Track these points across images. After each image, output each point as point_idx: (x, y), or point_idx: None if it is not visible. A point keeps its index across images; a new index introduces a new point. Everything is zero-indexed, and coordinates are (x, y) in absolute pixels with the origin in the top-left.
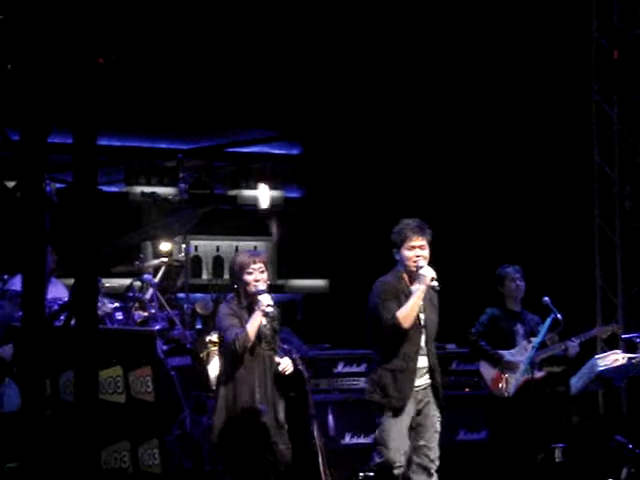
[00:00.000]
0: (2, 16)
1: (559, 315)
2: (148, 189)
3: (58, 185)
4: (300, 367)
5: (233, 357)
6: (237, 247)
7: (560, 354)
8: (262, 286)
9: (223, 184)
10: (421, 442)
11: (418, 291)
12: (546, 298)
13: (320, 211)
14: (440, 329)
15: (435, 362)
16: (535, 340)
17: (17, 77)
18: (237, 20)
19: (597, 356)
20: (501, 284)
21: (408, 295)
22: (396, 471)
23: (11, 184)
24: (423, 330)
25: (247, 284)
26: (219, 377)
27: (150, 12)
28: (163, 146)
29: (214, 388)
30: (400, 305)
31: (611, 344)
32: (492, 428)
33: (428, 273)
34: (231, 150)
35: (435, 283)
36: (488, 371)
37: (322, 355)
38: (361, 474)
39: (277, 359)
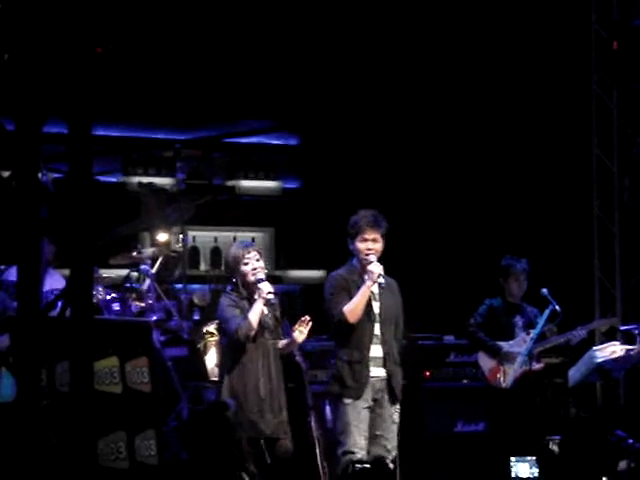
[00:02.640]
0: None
1: (557, 306)
2: (146, 179)
3: (55, 175)
4: (298, 358)
5: (236, 347)
6: (235, 238)
7: (562, 344)
8: (261, 274)
9: (221, 174)
10: (378, 432)
11: (364, 287)
12: (544, 289)
13: (318, 202)
14: (438, 320)
15: (392, 351)
16: (533, 332)
17: (12, 66)
18: (235, 10)
19: (595, 348)
20: (504, 278)
21: (359, 286)
22: (358, 457)
23: (6, 174)
24: (377, 319)
25: (245, 275)
26: (222, 368)
27: (148, 1)
28: (161, 136)
29: (213, 379)
30: (350, 297)
31: (609, 336)
32: (490, 419)
33: (375, 269)
34: (229, 140)
35: (381, 280)
36: (486, 362)
37: (320, 346)
38: (358, 465)
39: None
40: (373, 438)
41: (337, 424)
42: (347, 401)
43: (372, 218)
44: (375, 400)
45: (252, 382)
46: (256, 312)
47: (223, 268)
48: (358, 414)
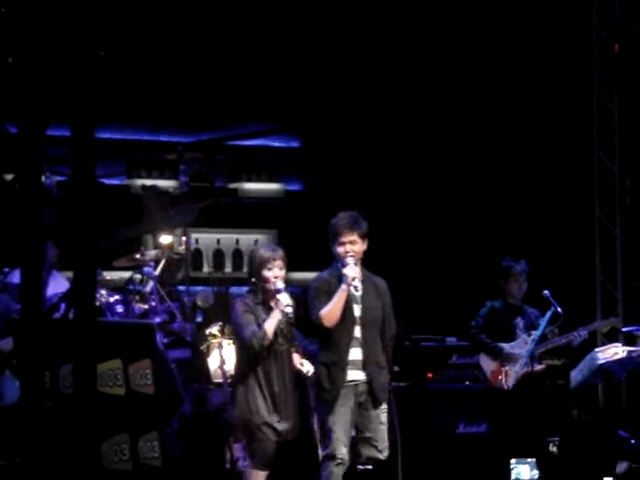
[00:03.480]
0: (3, 9)
1: (559, 308)
2: (149, 182)
3: (59, 178)
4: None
5: (249, 355)
6: (237, 240)
7: (563, 346)
8: (280, 284)
9: (223, 177)
10: (367, 434)
11: (339, 291)
12: (546, 291)
13: (321, 204)
14: (440, 322)
15: (373, 354)
16: (535, 333)
17: (16, 70)
18: (237, 13)
19: (597, 349)
20: (504, 279)
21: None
22: (339, 461)
23: (9, 177)
24: (357, 321)
25: (266, 280)
26: (236, 372)
27: (151, 5)
28: (164, 139)
29: (216, 381)
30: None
31: (611, 337)
32: (492, 421)
33: (350, 273)
34: (231, 143)
35: (357, 283)
36: (488, 364)
37: None
38: (359, 466)
39: (299, 361)
40: (363, 440)
41: (320, 425)
42: (329, 406)
43: (348, 220)
44: (360, 403)
45: (266, 388)
46: (273, 323)
47: (228, 268)
48: (337, 418)
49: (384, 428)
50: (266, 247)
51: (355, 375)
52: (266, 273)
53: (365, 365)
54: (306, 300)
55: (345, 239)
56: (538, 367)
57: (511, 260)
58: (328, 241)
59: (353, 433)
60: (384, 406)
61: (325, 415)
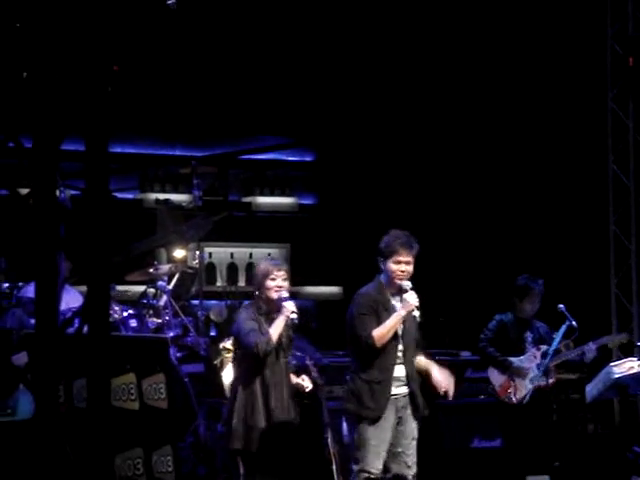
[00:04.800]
0: (18, 24)
1: (574, 322)
2: (162, 196)
3: (73, 192)
4: (314, 375)
5: (252, 362)
6: (251, 254)
7: (576, 360)
8: (285, 293)
9: (237, 191)
10: (399, 449)
11: (398, 315)
12: (561, 305)
13: (334, 218)
14: (454, 336)
15: (413, 370)
16: (550, 347)
17: (31, 84)
18: (252, 29)
19: (612, 363)
20: (519, 297)
21: (387, 307)
22: (374, 476)
23: (24, 191)
24: (400, 340)
25: (269, 290)
26: (234, 383)
27: (165, 20)
28: (177, 153)
29: (228, 395)
30: (378, 317)
31: (626, 351)
32: (505, 435)
33: (412, 300)
34: (245, 157)
35: (417, 313)
36: (496, 377)
37: (336, 362)
38: None
39: (302, 377)
40: (394, 455)
41: (355, 439)
42: (366, 422)
43: (406, 239)
44: (399, 418)
45: (263, 398)
46: (278, 328)
47: (242, 282)
48: (379, 434)
49: (415, 444)
50: (269, 260)
51: (398, 390)
52: (270, 283)
53: (408, 381)
54: (321, 314)
55: (403, 258)
56: (549, 381)
57: (529, 279)
58: (377, 256)
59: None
60: (417, 423)
61: (364, 430)
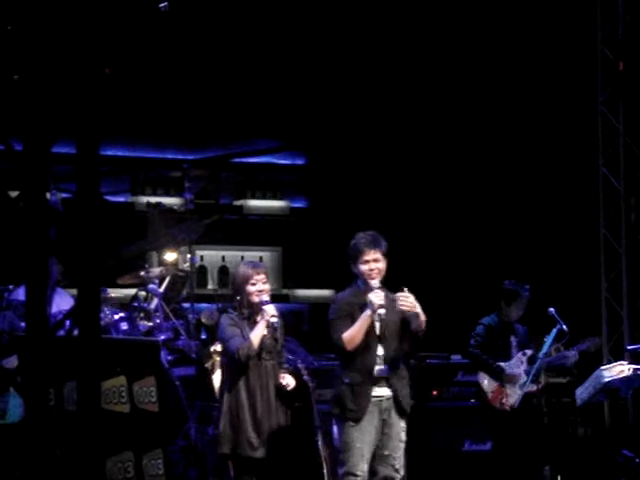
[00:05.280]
0: (9, 27)
1: (564, 326)
2: (154, 199)
3: (64, 195)
4: (305, 377)
5: (235, 367)
6: (243, 257)
7: (560, 364)
8: (266, 297)
9: (228, 194)
10: (385, 452)
11: (364, 317)
12: (551, 309)
13: (326, 221)
14: (445, 340)
15: (395, 368)
16: (541, 351)
17: (21, 87)
18: (243, 32)
19: (602, 367)
20: (508, 302)
21: (363, 309)
22: (359, 478)
23: (14, 194)
24: (380, 341)
25: (250, 294)
26: (221, 387)
27: (157, 23)
28: (169, 156)
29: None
30: (353, 320)
31: (616, 355)
32: (495, 439)
33: (376, 300)
34: (237, 160)
35: (382, 311)
36: (488, 384)
37: (327, 365)
38: None
39: (281, 375)
40: (381, 458)
41: (341, 443)
42: (351, 424)
43: (370, 238)
44: (384, 421)
45: (249, 402)
46: (258, 333)
47: (230, 286)
48: (362, 435)
49: (402, 446)
50: (247, 264)
51: (380, 392)
52: (250, 288)
53: (389, 381)
54: (313, 317)
55: (369, 257)
56: (539, 386)
57: (517, 284)
58: (349, 262)
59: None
60: (404, 425)
61: (348, 433)
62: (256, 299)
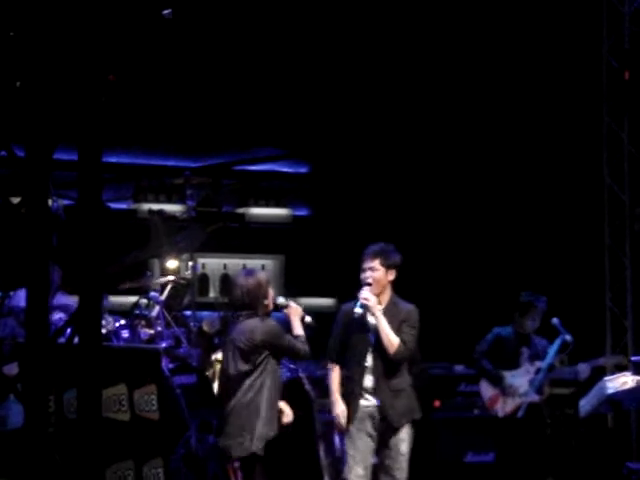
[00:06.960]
0: (12, 33)
1: (568, 336)
2: (156, 206)
3: (66, 202)
4: (306, 387)
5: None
6: (245, 265)
7: (570, 378)
8: (281, 298)
9: (231, 202)
10: (386, 461)
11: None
12: (555, 319)
13: (328, 229)
14: (448, 350)
15: (384, 380)
16: (544, 362)
17: (23, 93)
18: (245, 40)
19: (606, 378)
20: (522, 313)
21: (355, 320)
22: None
23: (16, 200)
24: (370, 352)
25: (271, 297)
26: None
27: (160, 30)
28: (171, 164)
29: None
30: (346, 330)
31: (620, 367)
32: (499, 450)
33: (361, 295)
34: (239, 168)
35: (358, 310)
36: (487, 390)
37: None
38: None
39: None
40: (383, 468)
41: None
42: (346, 433)
43: (373, 248)
44: (377, 429)
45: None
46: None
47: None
48: (353, 443)
49: (403, 459)
50: (254, 271)
51: (370, 402)
52: (271, 291)
53: (376, 391)
54: (313, 325)
55: (366, 265)
56: (541, 397)
57: (532, 296)
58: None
59: (374, 460)
60: (403, 436)
61: (342, 440)
62: (281, 300)
